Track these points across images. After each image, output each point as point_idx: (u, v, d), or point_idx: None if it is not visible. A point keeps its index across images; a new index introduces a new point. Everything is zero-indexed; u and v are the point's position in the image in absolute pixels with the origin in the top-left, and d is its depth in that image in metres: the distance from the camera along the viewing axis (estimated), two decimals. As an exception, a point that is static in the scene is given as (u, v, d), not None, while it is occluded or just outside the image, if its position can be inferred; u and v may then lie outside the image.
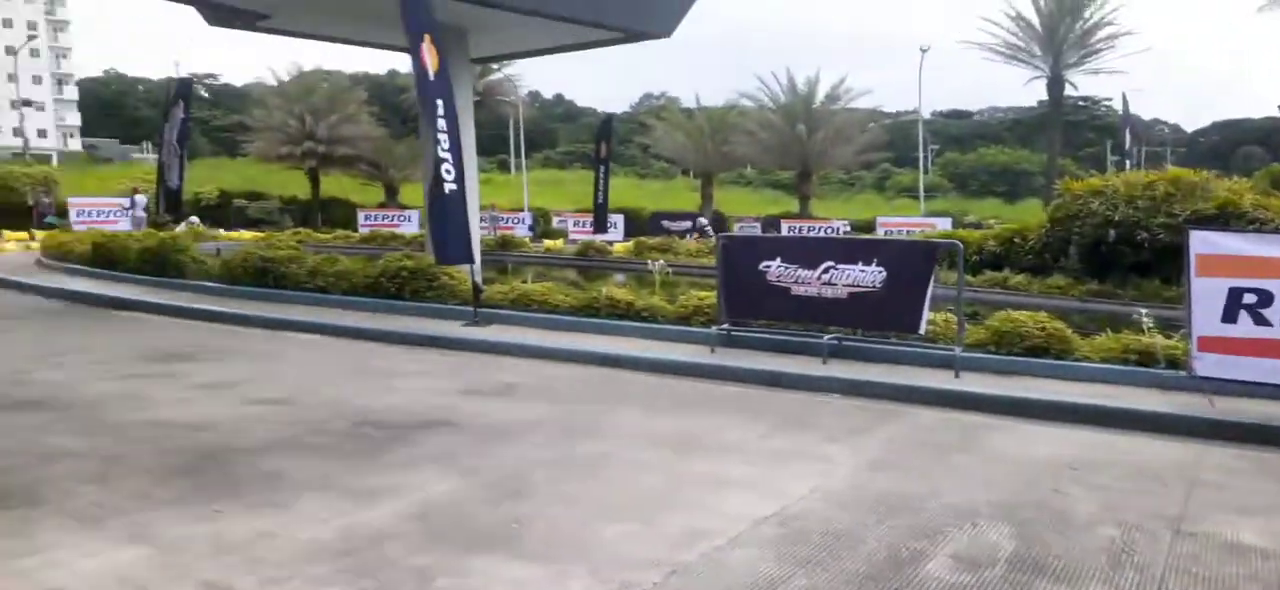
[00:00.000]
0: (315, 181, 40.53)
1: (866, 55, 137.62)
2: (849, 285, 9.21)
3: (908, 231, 32.75)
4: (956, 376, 8.49)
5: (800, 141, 40.25)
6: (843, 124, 41.51)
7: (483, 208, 23.76)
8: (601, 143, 23.42)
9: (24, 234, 29.77)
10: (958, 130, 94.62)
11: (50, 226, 28.73)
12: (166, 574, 3.85)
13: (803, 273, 9.45)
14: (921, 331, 9.03)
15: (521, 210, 40.74)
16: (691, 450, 6.20)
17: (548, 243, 29.94)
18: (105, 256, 17.10)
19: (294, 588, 3.77)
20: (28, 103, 71.37)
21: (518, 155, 54.91)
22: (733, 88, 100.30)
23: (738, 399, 8.02)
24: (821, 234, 33.08)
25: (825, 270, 9.31)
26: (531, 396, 7.92)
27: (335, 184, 42.98)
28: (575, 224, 39.14)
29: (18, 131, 63.56)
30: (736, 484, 5.43)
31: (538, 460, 5.83)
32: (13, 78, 72.88)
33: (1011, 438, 6.81)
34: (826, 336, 9.42)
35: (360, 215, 37.31)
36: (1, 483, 5.01)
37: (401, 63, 57.59)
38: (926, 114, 52.82)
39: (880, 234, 33.51)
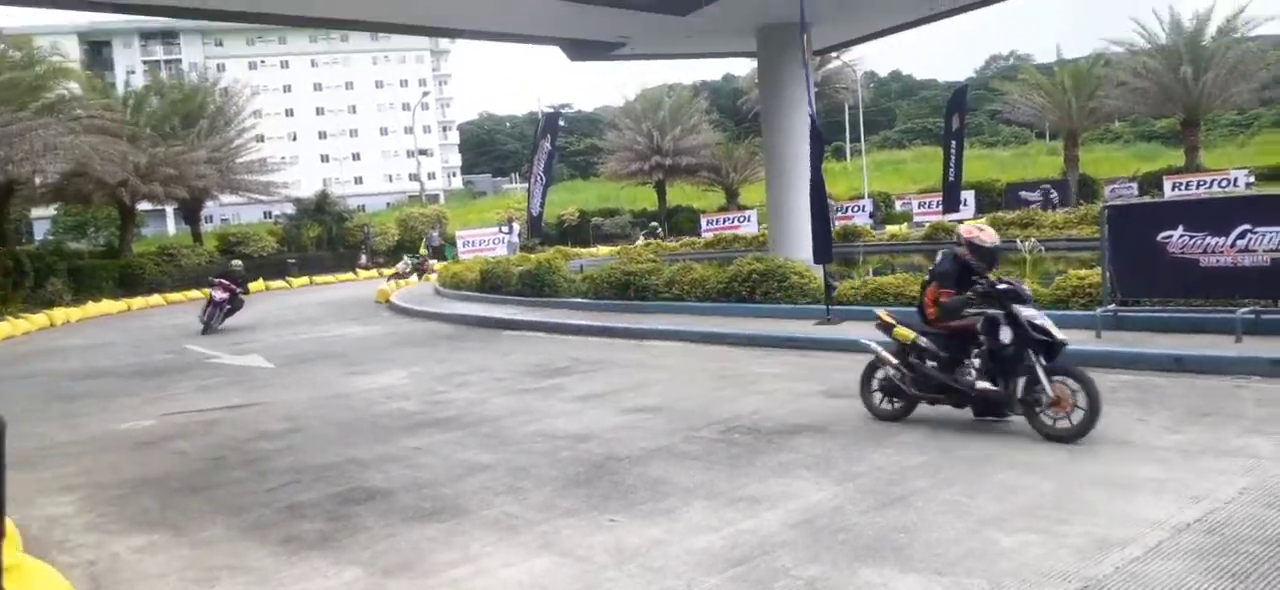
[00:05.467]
0: (661, 192, 42.57)
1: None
2: (1272, 250, 7.95)
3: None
4: None
5: (1185, 85, 35.54)
6: (1240, 57, 36.03)
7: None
8: (953, 115, 21.92)
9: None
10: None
11: (443, 258, 32.42)
12: (577, 584, 4.15)
13: (1211, 240, 8.30)
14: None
15: (861, 197, 39.90)
16: (1087, 448, 5.66)
17: (891, 228, 28.92)
18: (491, 282, 19.13)
19: (691, 598, 3.90)
20: (424, 152, 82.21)
21: (856, 140, 53.74)
22: (1095, 35, 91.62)
23: (1133, 387, 7.22)
24: (1221, 190, 29.13)
25: (1240, 234, 8.11)
26: (898, 394, 7.65)
27: (679, 193, 44.85)
28: (920, 205, 37.64)
29: (414, 176, 73.16)
30: (1145, 486, 4.86)
31: (914, 465, 5.61)
32: (409, 130, 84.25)
33: None
34: (1240, 311, 8.20)
35: (703, 220, 38.56)
36: (432, 495, 5.71)
37: (736, 67, 58.94)
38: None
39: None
